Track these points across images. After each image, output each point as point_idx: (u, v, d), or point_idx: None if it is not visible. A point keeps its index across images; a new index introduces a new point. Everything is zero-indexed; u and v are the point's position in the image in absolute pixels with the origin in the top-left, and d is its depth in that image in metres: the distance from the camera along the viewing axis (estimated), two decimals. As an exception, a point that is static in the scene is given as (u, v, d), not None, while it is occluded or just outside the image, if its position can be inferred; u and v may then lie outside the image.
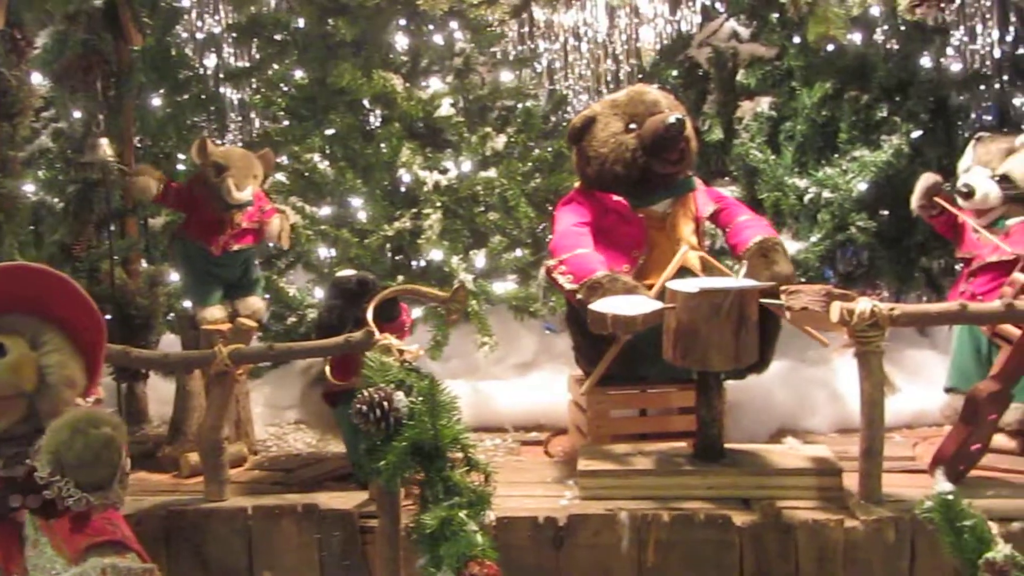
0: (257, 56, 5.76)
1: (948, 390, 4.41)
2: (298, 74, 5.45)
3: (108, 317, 4.12)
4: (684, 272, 4.16)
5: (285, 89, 5.48)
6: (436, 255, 5.04)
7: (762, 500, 3.62)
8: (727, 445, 3.91)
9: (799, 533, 3.52)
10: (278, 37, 5.51)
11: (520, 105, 5.46)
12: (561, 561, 3.55)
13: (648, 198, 4.25)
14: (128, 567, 2.71)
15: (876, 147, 5.02)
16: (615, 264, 4.13)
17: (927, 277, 5.46)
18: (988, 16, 5.97)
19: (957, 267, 4.63)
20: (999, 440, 4.08)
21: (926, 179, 4.44)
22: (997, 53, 5.92)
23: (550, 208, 4.39)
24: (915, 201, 4.47)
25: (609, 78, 6.10)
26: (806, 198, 4.96)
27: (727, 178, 5.23)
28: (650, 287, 4.02)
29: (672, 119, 4.13)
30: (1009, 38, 5.95)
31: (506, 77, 5.49)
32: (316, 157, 5.30)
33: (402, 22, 5.42)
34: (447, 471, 3.12)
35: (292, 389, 4.55)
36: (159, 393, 4.90)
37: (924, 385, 4.70)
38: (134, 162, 4.79)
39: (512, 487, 3.89)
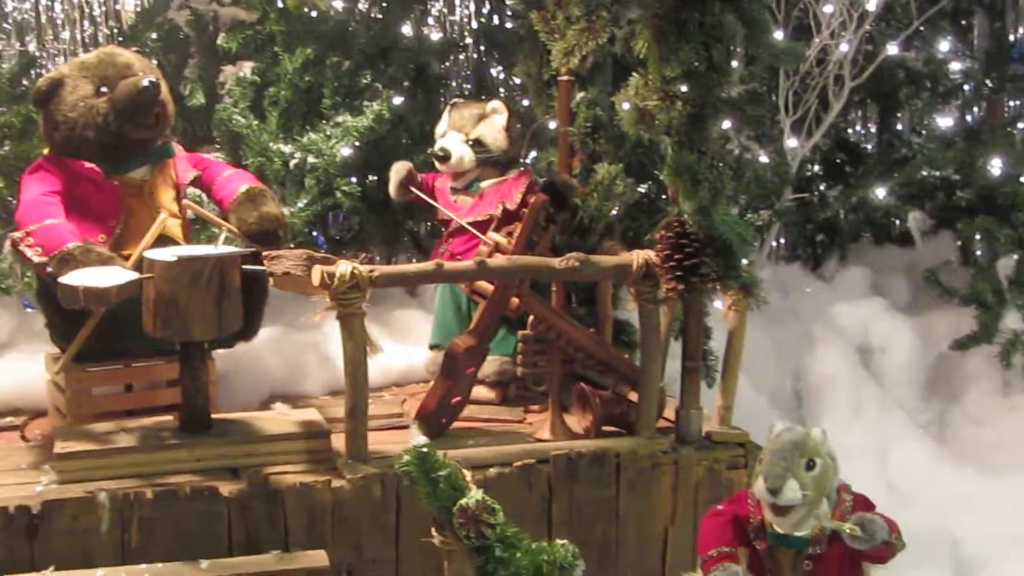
0: None
1: (432, 347, 4.57)
2: None
3: None
4: (167, 241, 4.01)
5: None
6: None
7: (251, 468, 3.58)
8: (215, 415, 3.84)
9: (287, 497, 3.51)
10: None
11: (-17, 67, 5.05)
12: (36, 551, 3.32)
13: (124, 165, 4.07)
14: None
15: (359, 113, 5.08)
16: (90, 235, 3.92)
17: (414, 239, 5.62)
18: (466, -12, 6.21)
19: (442, 228, 4.79)
20: (479, 392, 4.28)
21: (398, 171, 4.54)
22: (474, 24, 6.16)
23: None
24: (392, 191, 4.58)
25: (87, 40, 5.75)
26: (292, 164, 4.93)
27: (211, 144, 5.11)
28: (128, 257, 3.85)
29: (145, 82, 3.97)
30: (485, 10, 6.22)
31: (-33, 37, 5.06)
32: None
33: None
34: None
35: None
36: None
37: (412, 344, 4.84)
38: None
39: (-19, 478, 3.61)
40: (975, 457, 5.66)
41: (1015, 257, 5.73)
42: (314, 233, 5.39)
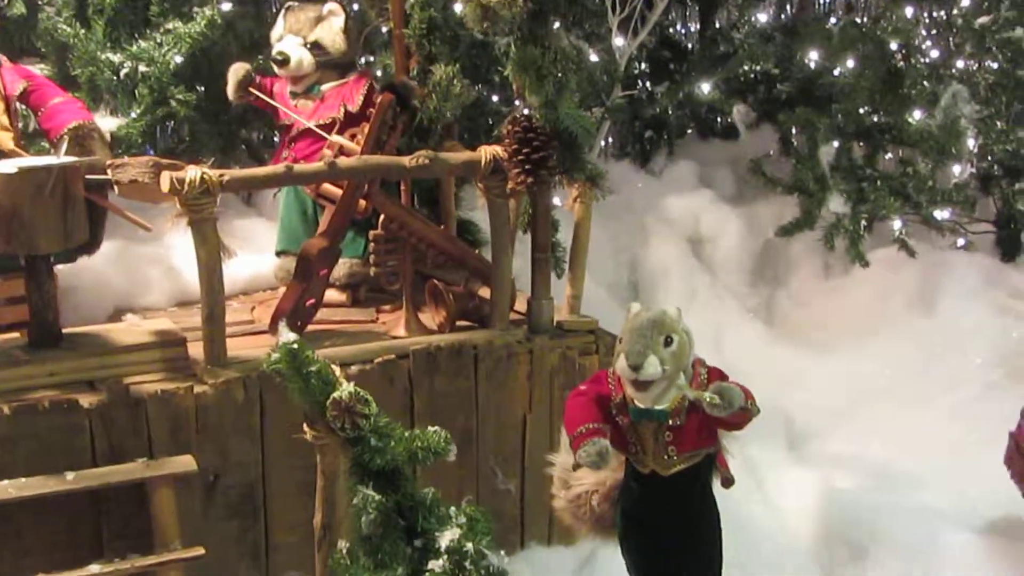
0: None
1: (279, 253, 4.57)
2: None
3: None
4: (-1, 155, 3.90)
5: None
6: None
7: (108, 379, 3.54)
8: (65, 330, 3.77)
9: (149, 406, 3.51)
10: None
11: None
12: None
13: (-53, 79, 3.93)
14: None
15: (189, 19, 4.95)
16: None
17: (249, 149, 5.54)
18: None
19: (275, 138, 4.72)
20: (331, 295, 4.31)
21: (236, 72, 4.48)
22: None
23: None
24: (231, 93, 4.51)
25: None
26: (122, 73, 4.79)
27: (36, 57, 4.92)
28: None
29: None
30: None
31: None
32: None
33: None
34: None
35: None
36: None
37: (256, 252, 4.80)
38: None
39: None
40: (801, 337, 5.97)
41: (835, 144, 6.00)
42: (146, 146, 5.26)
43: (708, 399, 2.86)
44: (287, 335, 2.86)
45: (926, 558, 4.08)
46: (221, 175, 3.59)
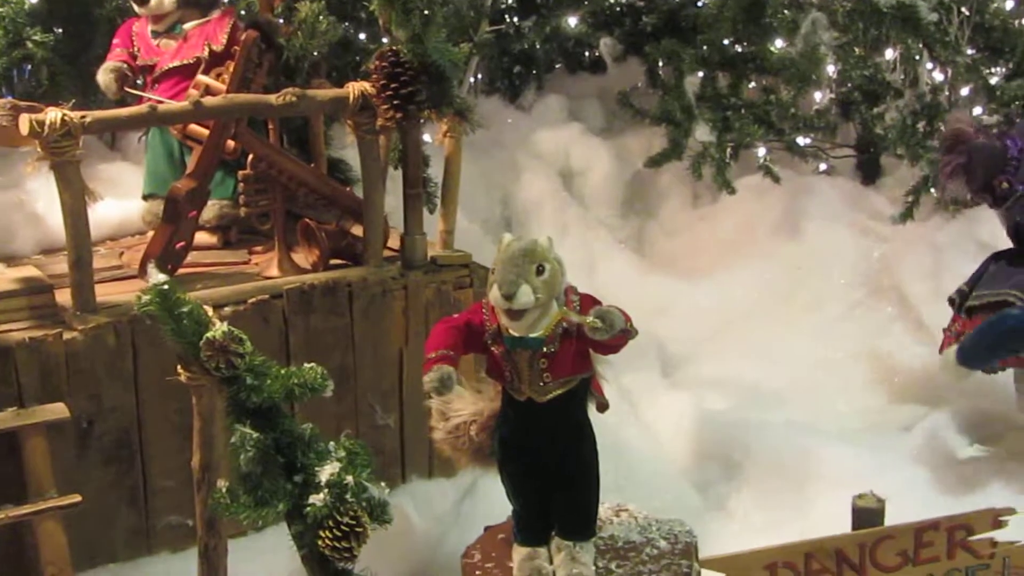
0: None
1: (147, 196, 4.49)
2: None
3: None
4: None
5: None
6: None
7: (-28, 328, 3.47)
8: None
9: (17, 353, 3.44)
10: None
11: None
12: None
13: None
14: None
15: (43, -43, 4.81)
16: None
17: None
18: None
19: (138, 80, 4.61)
20: (202, 237, 4.26)
21: (108, 86, 4.42)
22: None
23: None
24: (111, 97, 4.42)
25: None
26: (-24, 14, 4.64)
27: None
28: None
29: None
30: None
31: None
32: None
33: None
34: None
35: None
36: None
37: (122, 197, 4.71)
38: None
39: None
40: (671, 266, 6.10)
41: (700, 75, 6.09)
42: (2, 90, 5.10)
43: (590, 323, 2.90)
44: (157, 277, 2.83)
45: (797, 472, 4.22)
46: (83, 116, 3.51)
